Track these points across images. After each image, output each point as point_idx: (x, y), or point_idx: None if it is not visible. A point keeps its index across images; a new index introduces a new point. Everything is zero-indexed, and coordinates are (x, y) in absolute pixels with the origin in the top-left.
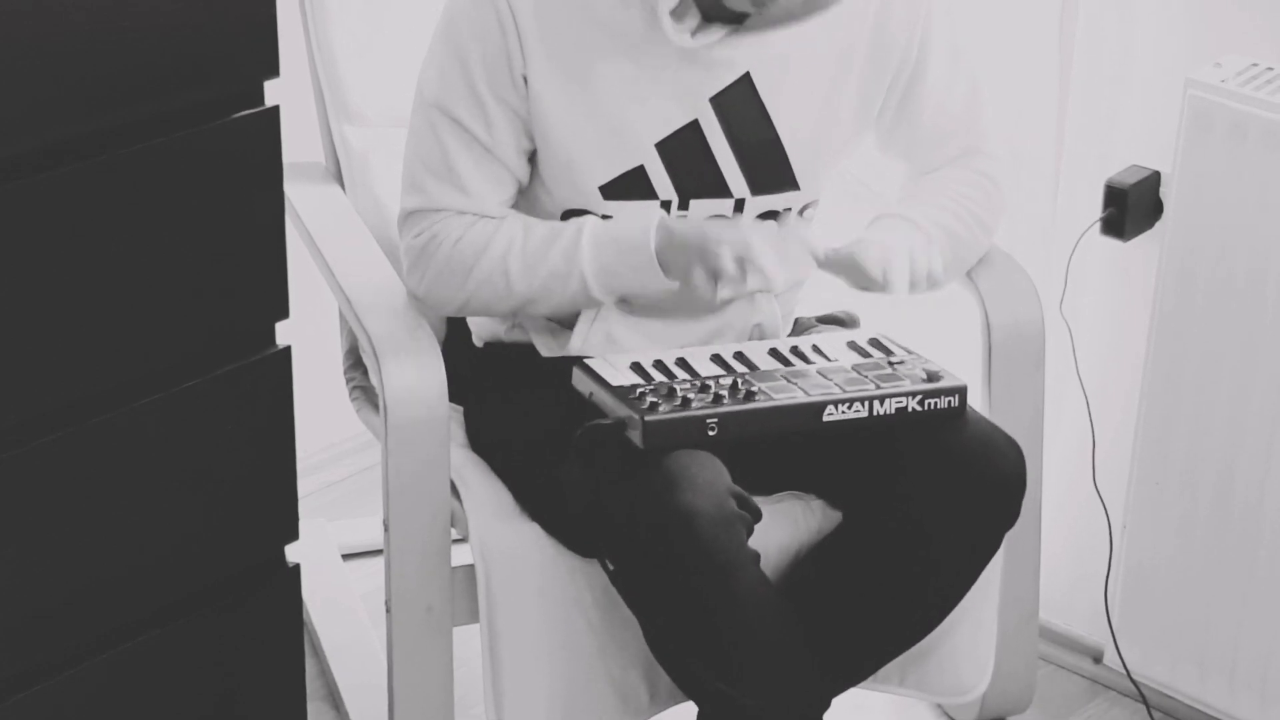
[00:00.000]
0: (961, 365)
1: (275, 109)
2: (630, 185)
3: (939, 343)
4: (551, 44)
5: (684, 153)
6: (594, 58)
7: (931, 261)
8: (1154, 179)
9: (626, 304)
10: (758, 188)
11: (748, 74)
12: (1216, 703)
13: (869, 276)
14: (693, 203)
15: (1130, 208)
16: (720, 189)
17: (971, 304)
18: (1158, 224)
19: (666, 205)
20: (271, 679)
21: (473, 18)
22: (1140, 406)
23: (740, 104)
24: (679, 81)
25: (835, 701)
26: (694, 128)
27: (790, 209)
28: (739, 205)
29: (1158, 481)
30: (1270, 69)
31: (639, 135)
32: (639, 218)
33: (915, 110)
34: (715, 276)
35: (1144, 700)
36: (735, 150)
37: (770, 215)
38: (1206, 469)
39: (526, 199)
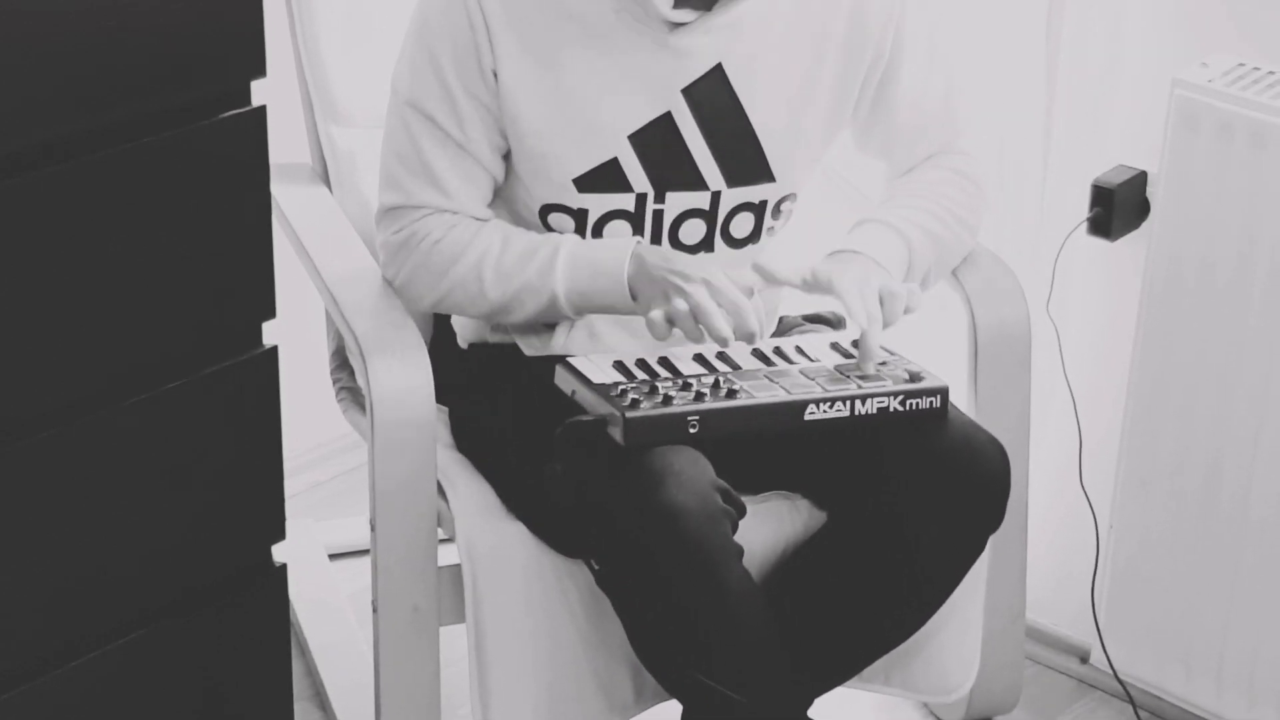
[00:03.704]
0: (948, 365)
1: (262, 109)
2: (604, 178)
3: (925, 342)
4: (522, 38)
5: (657, 145)
6: (564, 50)
7: (911, 298)
8: (1141, 179)
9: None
10: (733, 180)
11: (720, 65)
12: (1203, 702)
13: (846, 312)
14: (669, 195)
15: (1117, 207)
16: (695, 181)
17: (958, 303)
18: (1144, 224)
19: (642, 197)
20: (258, 679)
21: (442, 15)
22: (1127, 406)
23: (713, 95)
24: (650, 73)
25: (821, 700)
26: (667, 119)
27: (766, 200)
28: (715, 198)
29: (1144, 481)
30: (1257, 69)
31: (611, 127)
32: (617, 243)
33: (891, 106)
34: (672, 322)
35: (1130, 700)
36: (709, 142)
37: (747, 207)
38: (1193, 468)
39: (503, 195)
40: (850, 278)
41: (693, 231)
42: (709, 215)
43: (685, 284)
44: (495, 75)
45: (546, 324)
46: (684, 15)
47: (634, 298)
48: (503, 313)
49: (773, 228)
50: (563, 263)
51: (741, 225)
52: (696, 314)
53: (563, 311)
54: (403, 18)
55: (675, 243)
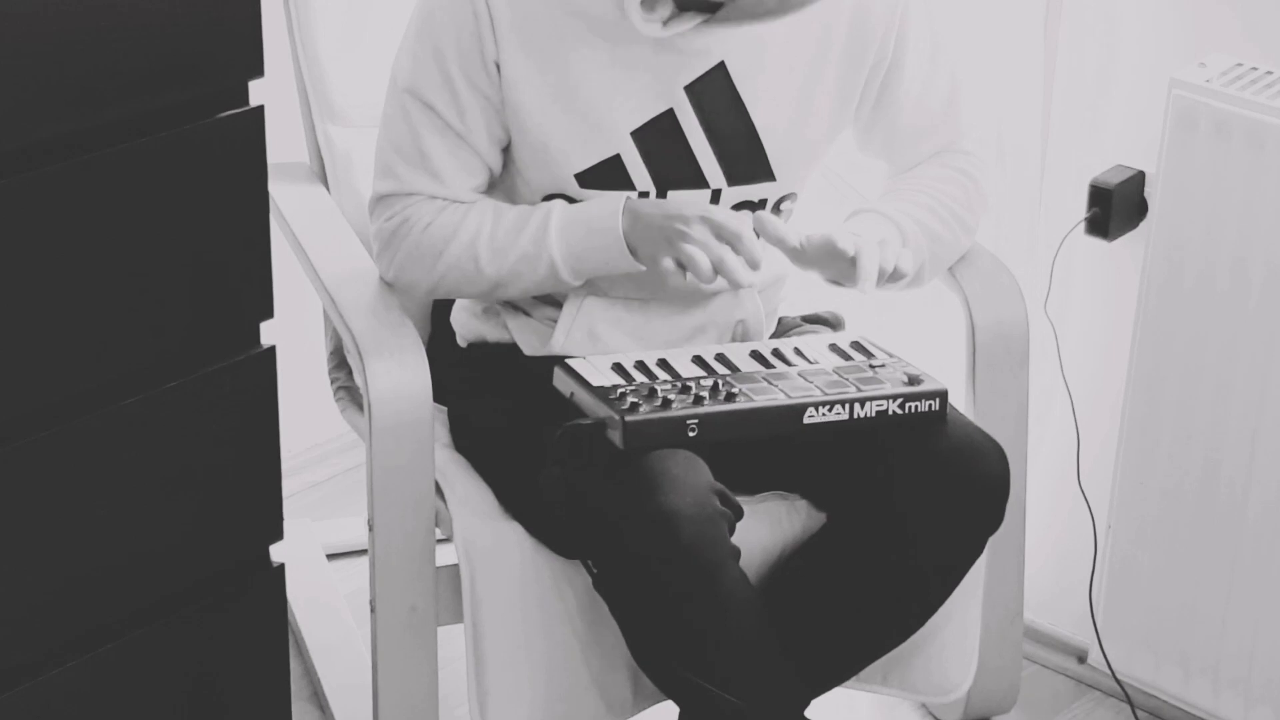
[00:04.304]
0: (946, 365)
1: (259, 109)
2: (607, 174)
3: (924, 343)
4: (526, 31)
5: (660, 142)
6: (568, 45)
7: (900, 258)
8: (1138, 179)
9: (605, 293)
10: (734, 178)
11: (722, 63)
12: (1200, 702)
13: (841, 253)
14: (670, 193)
15: (1115, 208)
16: (696, 179)
17: (956, 304)
18: (1142, 224)
19: (644, 195)
20: (256, 679)
21: (448, 5)
22: (1125, 406)
23: (715, 93)
24: (653, 70)
25: (819, 700)
26: (669, 116)
27: (766, 199)
28: (715, 196)
29: (1142, 481)
30: (1255, 69)
31: (614, 124)
32: (607, 200)
33: (893, 106)
34: (683, 265)
35: (1128, 700)
36: (711, 140)
37: (747, 206)
38: (1191, 469)
39: (504, 188)
40: (843, 228)
41: None
42: None
43: (687, 226)
44: (498, 67)
45: (545, 322)
46: (678, 27)
47: (633, 252)
48: (501, 288)
49: None
50: (555, 227)
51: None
52: (706, 254)
53: (562, 278)
54: (400, 17)
55: None
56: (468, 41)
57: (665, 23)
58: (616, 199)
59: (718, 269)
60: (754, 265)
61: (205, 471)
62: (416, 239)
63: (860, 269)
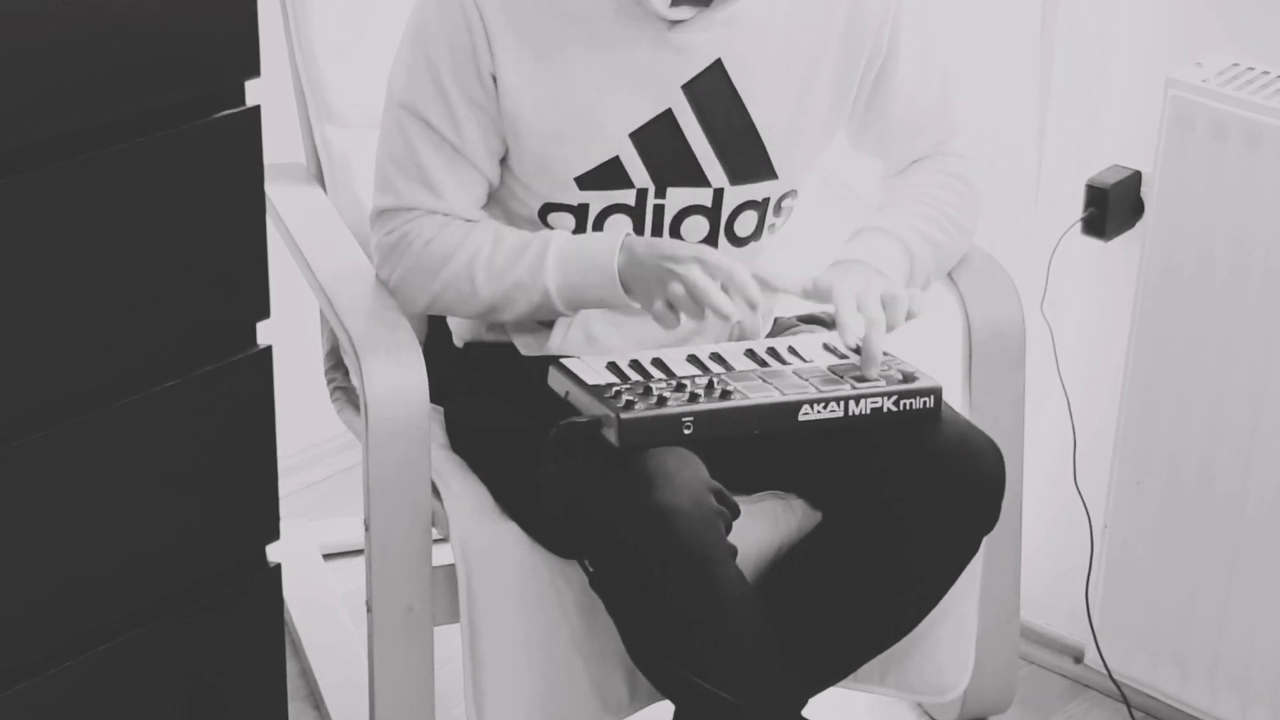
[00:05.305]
0: (942, 365)
1: (256, 109)
2: (606, 176)
3: (920, 342)
4: (521, 38)
5: (659, 142)
6: (565, 50)
7: (913, 302)
8: (1135, 179)
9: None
10: (736, 177)
11: (719, 61)
12: (1197, 703)
13: (841, 320)
14: (670, 191)
15: (1111, 207)
16: (698, 178)
17: (952, 304)
18: (1139, 224)
19: (643, 193)
20: (252, 679)
21: (440, 18)
22: (1121, 406)
23: (713, 91)
24: (650, 70)
25: (815, 700)
26: (668, 116)
27: (769, 198)
28: (717, 195)
29: (1139, 481)
30: (1251, 69)
31: (612, 126)
32: (605, 237)
33: (886, 103)
34: (674, 307)
35: (1125, 700)
36: (711, 139)
37: (750, 205)
38: (1188, 468)
39: (500, 198)
40: (848, 286)
41: (695, 228)
42: (712, 213)
43: (677, 266)
44: (494, 79)
45: (543, 323)
46: (681, 13)
47: (627, 291)
48: (496, 311)
49: (774, 225)
50: (553, 258)
51: (745, 223)
52: (694, 293)
53: (556, 308)
54: (397, 18)
55: (677, 239)
56: (462, 54)
57: (671, 3)
58: (616, 236)
59: (706, 305)
60: (752, 304)
61: (202, 472)
62: (416, 254)
63: (865, 356)
